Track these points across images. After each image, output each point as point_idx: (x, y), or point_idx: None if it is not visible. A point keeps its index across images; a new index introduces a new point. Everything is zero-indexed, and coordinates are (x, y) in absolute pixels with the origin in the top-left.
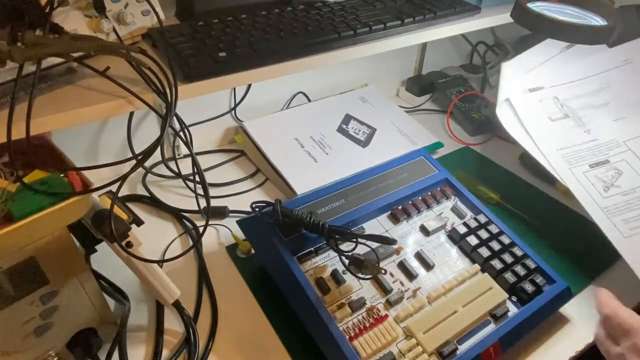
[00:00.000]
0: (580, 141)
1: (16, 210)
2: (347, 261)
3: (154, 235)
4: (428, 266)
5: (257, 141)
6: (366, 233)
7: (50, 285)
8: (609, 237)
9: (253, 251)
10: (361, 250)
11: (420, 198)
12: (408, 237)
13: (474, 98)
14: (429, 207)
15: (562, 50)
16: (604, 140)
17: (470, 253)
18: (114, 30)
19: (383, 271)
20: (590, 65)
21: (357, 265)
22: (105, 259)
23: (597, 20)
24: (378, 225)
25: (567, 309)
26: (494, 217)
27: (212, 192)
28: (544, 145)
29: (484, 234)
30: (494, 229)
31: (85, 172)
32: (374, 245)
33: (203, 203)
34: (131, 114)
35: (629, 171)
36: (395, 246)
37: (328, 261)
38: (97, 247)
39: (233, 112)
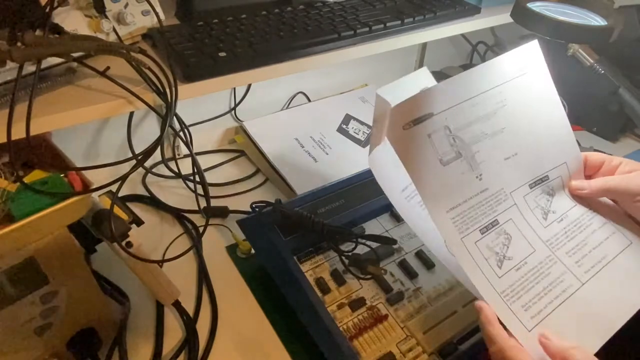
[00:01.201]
0: (471, 193)
1: (16, 210)
2: (347, 261)
3: (154, 235)
4: (428, 265)
5: (257, 141)
6: (366, 233)
7: (50, 285)
8: (512, 330)
9: (253, 251)
10: (361, 250)
11: None
12: (408, 237)
13: None
14: None
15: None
16: (493, 190)
17: None
18: (114, 30)
19: (383, 271)
20: (483, 76)
21: (358, 265)
22: (105, 259)
23: (597, 20)
24: (378, 225)
25: None
26: None
27: (212, 192)
28: (433, 208)
29: None
30: None
31: (85, 172)
32: (374, 245)
33: (203, 203)
34: (131, 114)
35: (517, 235)
36: (395, 246)
37: (328, 261)
38: (97, 247)
39: (233, 112)
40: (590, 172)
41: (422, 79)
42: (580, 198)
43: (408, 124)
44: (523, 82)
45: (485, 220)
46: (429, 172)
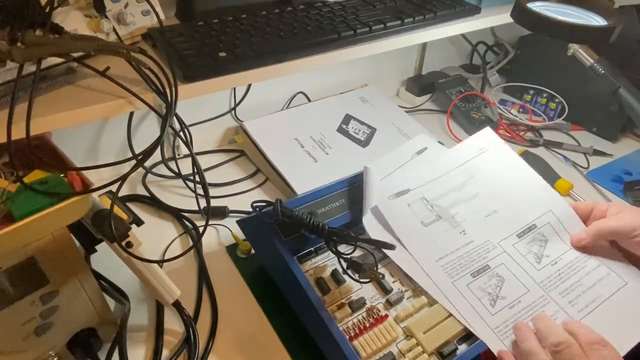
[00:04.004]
0: (457, 245)
1: (16, 210)
2: (345, 264)
3: (154, 235)
4: None
5: (257, 141)
6: (365, 237)
7: (50, 285)
8: None
9: (253, 251)
10: (361, 251)
11: None
12: None
13: (474, 98)
14: None
15: (412, 156)
16: (479, 242)
17: None
18: (114, 30)
19: (381, 276)
20: (448, 161)
21: (355, 269)
22: (105, 259)
23: (597, 20)
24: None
25: None
26: None
27: (212, 192)
28: (422, 258)
29: None
30: None
31: (85, 172)
32: (373, 248)
33: (203, 203)
34: (131, 114)
35: (509, 277)
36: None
37: (328, 261)
38: (97, 247)
39: (233, 112)
40: (582, 220)
41: (412, 149)
42: (585, 248)
43: (391, 197)
44: (484, 158)
45: (476, 266)
46: (414, 231)
